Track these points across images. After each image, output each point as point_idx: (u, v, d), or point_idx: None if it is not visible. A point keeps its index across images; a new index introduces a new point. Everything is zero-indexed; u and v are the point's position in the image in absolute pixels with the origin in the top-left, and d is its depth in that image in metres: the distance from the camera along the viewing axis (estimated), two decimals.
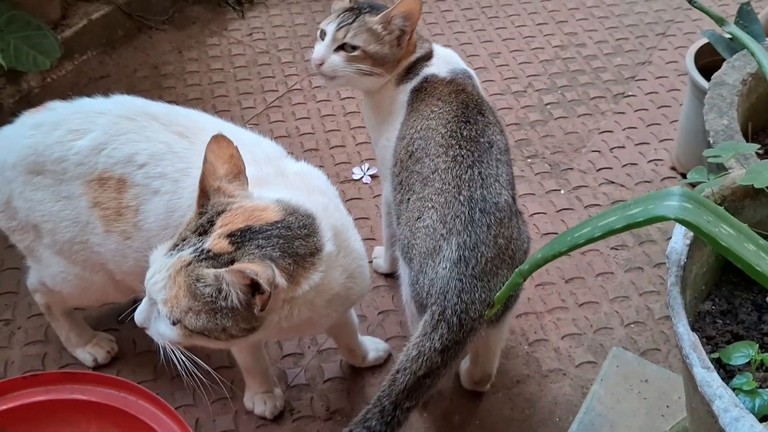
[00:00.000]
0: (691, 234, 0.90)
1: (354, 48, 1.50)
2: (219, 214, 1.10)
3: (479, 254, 1.28)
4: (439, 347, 1.27)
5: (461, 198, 1.32)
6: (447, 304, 1.27)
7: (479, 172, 1.35)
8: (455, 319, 1.27)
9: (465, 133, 1.40)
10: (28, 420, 1.46)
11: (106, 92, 2.52)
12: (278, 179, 1.27)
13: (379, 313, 1.80)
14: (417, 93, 1.52)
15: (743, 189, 0.98)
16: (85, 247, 1.41)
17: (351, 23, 1.51)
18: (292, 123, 2.36)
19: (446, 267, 1.28)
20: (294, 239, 1.11)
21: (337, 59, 1.51)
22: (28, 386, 1.49)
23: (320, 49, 1.52)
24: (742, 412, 0.72)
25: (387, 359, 1.70)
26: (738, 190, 0.98)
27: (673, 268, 0.85)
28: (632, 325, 1.76)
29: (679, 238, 0.88)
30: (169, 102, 2.35)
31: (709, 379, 0.74)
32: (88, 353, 1.68)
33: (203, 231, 1.10)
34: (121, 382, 1.49)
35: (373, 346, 1.69)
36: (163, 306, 1.08)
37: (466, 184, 1.33)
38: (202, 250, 1.07)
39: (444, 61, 1.56)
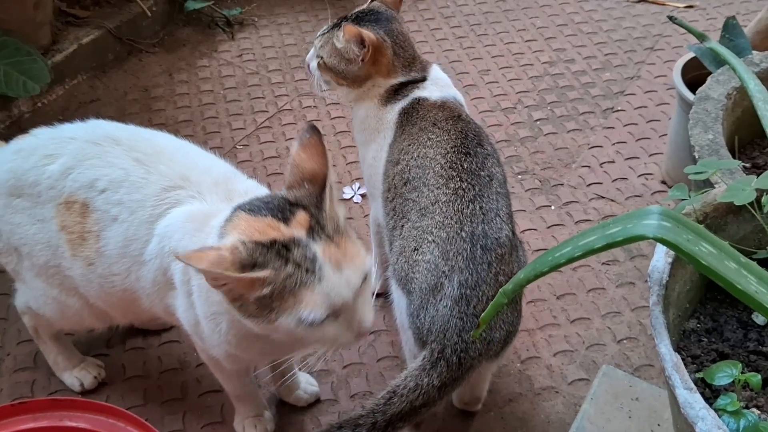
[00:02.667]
0: (673, 252, 0.90)
1: (320, 57, 1.57)
2: None
3: (480, 293, 1.28)
4: (438, 384, 1.27)
5: (463, 234, 1.31)
6: (447, 343, 1.27)
7: (480, 207, 1.35)
8: (455, 358, 1.27)
9: (466, 166, 1.39)
10: None
11: (96, 116, 2.51)
12: (222, 205, 1.22)
13: (371, 333, 1.79)
14: (407, 115, 1.51)
15: (725, 206, 0.98)
16: (58, 271, 1.41)
17: (325, 33, 1.57)
18: (282, 143, 2.36)
19: (447, 305, 1.28)
20: None
21: (313, 65, 1.60)
22: (16, 414, 1.47)
23: (310, 52, 1.62)
24: None
25: (313, 403, 1.64)
26: (720, 206, 0.97)
27: (654, 287, 0.85)
28: (625, 341, 1.75)
29: (661, 257, 0.88)
30: (159, 125, 2.38)
31: (691, 400, 0.74)
32: (75, 377, 1.66)
33: None
34: (110, 408, 1.47)
35: (304, 386, 1.64)
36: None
37: (468, 219, 1.33)
38: None
39: (436, 85, 1.56)
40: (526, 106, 2.50)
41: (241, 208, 1.11)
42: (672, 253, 0.90)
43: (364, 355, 1.74)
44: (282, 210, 1.08)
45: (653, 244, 1.97)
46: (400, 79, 1.55)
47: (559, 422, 1.58)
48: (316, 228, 1.07)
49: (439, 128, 1.45)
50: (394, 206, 1.46)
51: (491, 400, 1.63)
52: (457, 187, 1.36)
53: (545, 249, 1.96)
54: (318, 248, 1.05)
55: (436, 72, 1.59)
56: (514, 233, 1.39)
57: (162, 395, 1.66)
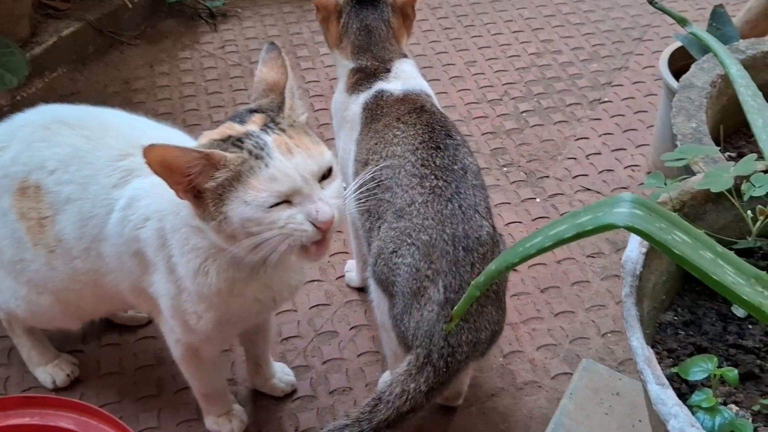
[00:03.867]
0: (648, 242, 0.87)
1: None
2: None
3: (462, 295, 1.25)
4: (425, 389, 1.25)
5: (445, 237, 1.28)
6: (433, 348, 1.25)
7: (459, 205, 1.31)
8: (442, 362, 1.25)
9: (438, 162, 1.35)
10: None
11: None
12: None
13: (351, 328, 1.76)
14: (371, 110, 1.49)
15: (704, 194, 0.94)
16: (24, 267, 1.37)
17: None
18: None
19: (432, 310, 1.25)
20: None
21: None
22: None
23: None
24: None
25: (290, 393, 1.62)
26: (698, 194, 0.94)
27: (627, 278, 0.82)
28: (609, 335, 1.72)
29: (635, 247, 0.85)
30: None
31: (663, 396, 0.71)
32: (48, 374, 1.63)
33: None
34: (83, 406, 1.44)
35: (280, 375, 1.61)
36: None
37: (449, 220, 1.29)
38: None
39: (399, 78, 1.53)
40: (513, 98, 2.47)
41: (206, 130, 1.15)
42: (646, 243, 0.86)
43: (345, 351, 1.71)
44: (241, 116, 1.12)
45: None
46: (355, 63, 1.55)
47: (541, 417, 1.55)
48: (270, 124, 1.09)
49: (403, 123, 1.42)
50: (368, 207, 1.43)
51: (473, 395, 1.60)
52: (433, 185, 1.32)
53: None
54: (269, 138, 1.07)
55: (402, 64, 1.56)
56: (494, 228, 1.36)
57: (137, 392, 1.62)
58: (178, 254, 1.20)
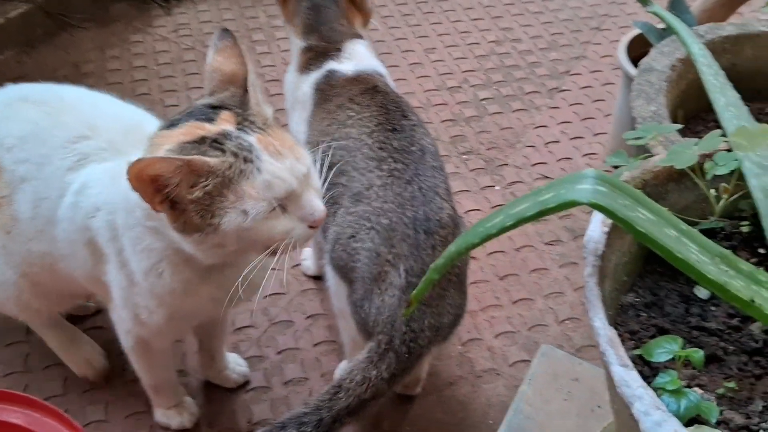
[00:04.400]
0: (610, 221, 0.84)
1: None
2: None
3: None
4: (387, 376, 1.22)
5: (405, 220, 1.24)
6: (395, 334, 1.21)
7: (419, 187, 1.27)
8: (404, 348, 1.22)
9: (396, 144, 1.31)
10: None
11: None
12: (137, 152, 1.09)
13: (307, 317, 1.71)
14: (322, 91, 1.46)
15: (666, 172, 0.92)
16: None
17: None
18: None
19: (393, 295, 1.22)
20: None
21: None
22: None
23: None
24: (664, 415, 0.65)
25: (243, 384, 1.58)
26: (661, 173, 0.92)
27: (589, 258, 0.79)
28: (567, 322, 1.71)
29: (597, 226, 0.82)
30: None
31: (627, 378, 0.68)
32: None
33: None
34: (28, 399, 1.38)
35: (233, 365, 1.57)
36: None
37: (409, 203, 1.25)
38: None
39: (352, 58, 1.49)
40: (472, 86, 2.45)
41: (159, 129, 1.04)
42: (608, 222, 0.84)
43: (300, 340, 1.66)
44: (205, 114, 1.02)
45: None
46: (305, 42, 1.53)
47: (500, 404, 1.54)
48: (244, 123, 1.00)
49: (357, 104, 1.38)
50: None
51: (431, 383, 1.58)
52: (391, 168, 1.29)
53: None
54: (252, 139, 0.99)
55: (355, 45, 1.52)
56: (454, 209, 1.33)
57: (84, 384, 1.56)
58: (131, 251, 1.14)
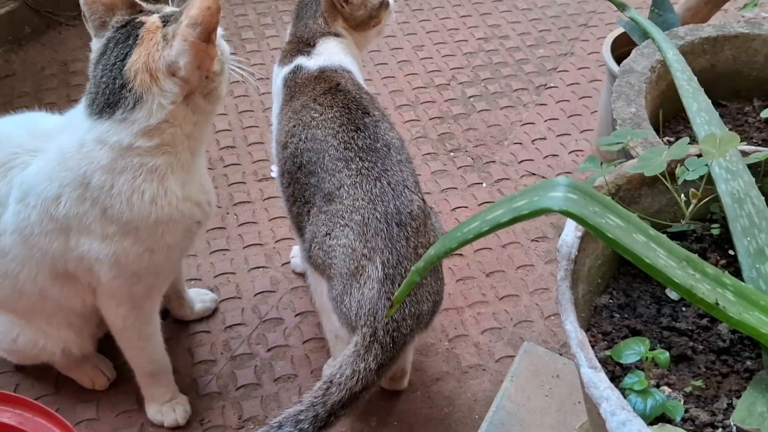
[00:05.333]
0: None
1: None
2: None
3: (403, 270, 1.26)
4: (375, 367, 1.25)
5: (377, 215, 1.29)
6: (378, 325, 1.25)
7: (388, 182, 1.32)
8: (388, 338, 1.25)
9: (360, 143, 1.35)
10: None
11: (11, 91, 2.40)
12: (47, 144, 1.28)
13: (297, 314, 1.74)
14: (289, 87, 1.49)
15: (639, 177, 0.95)
16: None
17: None
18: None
19: (373, 287, 1.26)
20: None
21: None
22: None
23: None
24: (629, 415, 0.68)
25: (215, 310, 1.74)
26: (634, 178, 0.95)
27: (563, 262, 0.82)
28: (552, 318, 1.74)
29: (570, 230, 0.85)
30: (78, 101, 2.27)
31: (595, 379, 0.71)
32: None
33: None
34: (17, 399, 1.40)
35: (199, 297, 1.71)
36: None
37: (379, 199, 1.30)
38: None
39: (320, 55, 1.52)
40: (460, 83, 2.47)
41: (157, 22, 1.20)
42: (581, 227, 0.87)
43: (290, 337, 1.69)
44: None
45: None
46: (289, 35, 1.59)
47: (485, 400, 1.56)
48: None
49: (320, 105, 1.41)
50: (293, 191, 1.43)
51: (418, 379, 1.61)
52: (359, 167, 1.33)
53: None
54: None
55: (328, 41, 1.55)
56: (423, 200, 1.37)
57: (74, 383, 1.58)
58: (116, 195, 1.21)
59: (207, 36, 1.13)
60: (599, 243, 0.91)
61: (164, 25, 1.17)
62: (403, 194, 1.32)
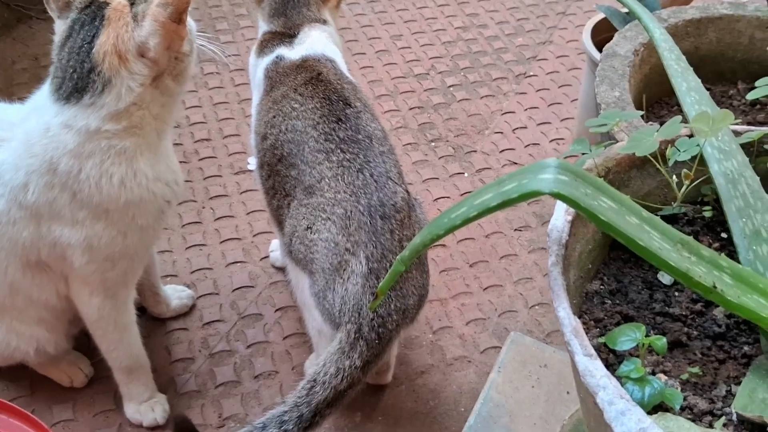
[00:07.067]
0: (573, 210, 0.84)
1: None
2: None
3: (388, 264, 1.22)
4: (360, 364, 1.22)
5: (360, 208, 1.25)
6: (363, 321, 1.22)
7: (371, 174, 1.28)
8: (374, 334, 1.22)
9: (341, 135, 1.31)
10: None
11: None
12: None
13: (277, 310, 1.70)
14: (270, 78, 1.45)
15: (629, 159, 0.92)
16: None
17: None
18: (181, 112, 2.22)
19: (357, 282, 1.22)
20: None
21: None
22: None
23: None
24: (628, 404, 0.65)
25: (192, 307, 1.70)
26: (623, 160, 0.92)
27: (553, 247, 0.79)
28: (536, 307, 1.71)
29: (561, 215, 0.82)
30: None
31: (591, 368, 0.68)
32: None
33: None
34: None
35: (175, 294, 1.68)
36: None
37: (362, 191, 1.26)
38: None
39: (302, 44, 1.48)
40: (440, 72, 2.44)
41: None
42: (572, 211, 0.84)
43: (270, 333, 1.65)
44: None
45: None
46: (268, 26, 1.52)
47: (471, 392, 1.54)
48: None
49: (300, 95, 1.37)
50: (272, 184, 1.39)
51: (402, 372, 1.57)
52: (340, 159, 1.29)
53: None
54: None
55: (311, 29, 1.50)
56: (408, 192, 1.34)
57: (50, 384, 1.53)
58: (85, 179, 1.18)
59: (178, 16, 1.11)
60: (589, 227, 0.88)
61: (132, 5, 1.13)
62: (387, 186, 1.28)
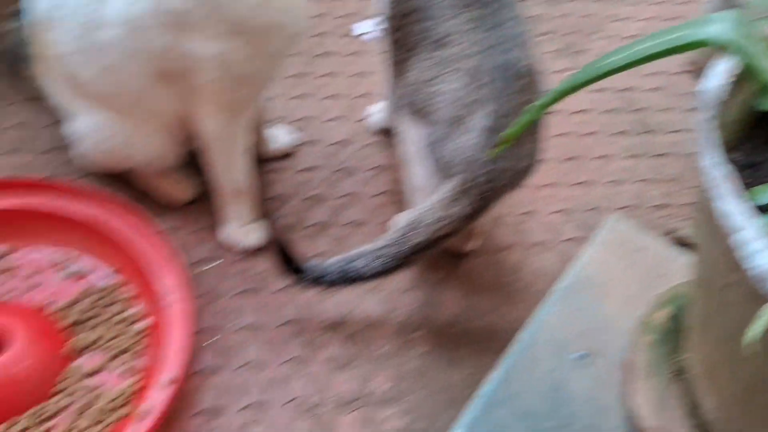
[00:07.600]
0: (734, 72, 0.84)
1: None
2: None
3: (507, 123, 1.24)
4: (468, 212, 1.27)
5: (488, 65, 1.26)
6: (478, 172, 1.25)
7: (501, 35, 1.28)
8: (486, 187, 1.26)
9: None
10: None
11: None
12: None
13: (371, 169, 1.75)
14: None
15: None
16: None
17: None
18: None
19: (476, 135, 1.25)
20: None
21: None
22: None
23: None
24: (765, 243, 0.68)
25: (289, 154, 1.75)
26: None
27: (710, 104, 0.80)
28: (624, 209, 1.73)
29: (720, 73, 0.83)
30: None
31: (735, 210, 0.70)
32: None
33: None
34: (104, 196, 1.47)
35: (277, 137, 1.72)
36: None
37: (492, 49, 1.27)
38: None
39: None
40: None
41: None
42: (733, 71, 0.84)
43: (363, 187, 1.71)
44: None
45: (664, 122, 1.89)
46: None
47: (547, 276, 1.57)
48: None
49: None
50: (397, 38, 1.40)
51: (484, 246, 1.62)
52: (474, 16, 1.29)
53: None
54: None
55: None
56: (534, 59, 1.34)
57: (147, 202, 1.61)
58: None
59: None
60: (737, 99, 0.88)
61: None
62: (515, 49, 1.29)
